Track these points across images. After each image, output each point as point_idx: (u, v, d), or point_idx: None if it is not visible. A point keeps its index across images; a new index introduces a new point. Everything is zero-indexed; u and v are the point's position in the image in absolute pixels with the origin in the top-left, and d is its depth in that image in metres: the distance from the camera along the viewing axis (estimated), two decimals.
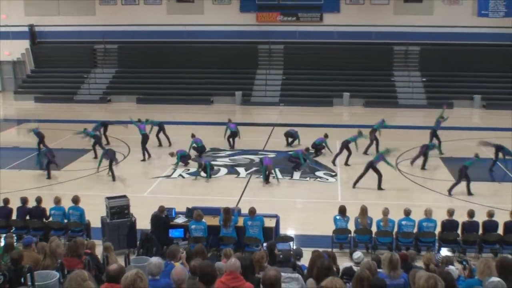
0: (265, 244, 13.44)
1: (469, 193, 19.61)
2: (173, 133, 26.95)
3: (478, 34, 38.71)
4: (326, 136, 24.86)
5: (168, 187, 21.04)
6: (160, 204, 15.31)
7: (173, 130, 27.09)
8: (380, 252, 13.57)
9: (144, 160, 24.06)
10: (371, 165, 20.22)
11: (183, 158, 22.78)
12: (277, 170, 21.67)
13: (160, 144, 25.76)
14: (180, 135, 26.16)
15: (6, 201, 16.16)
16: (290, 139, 26.14)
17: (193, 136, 24.54)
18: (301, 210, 18.89)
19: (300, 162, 22.24)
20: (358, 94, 37.59)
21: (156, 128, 25.97)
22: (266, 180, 20.84)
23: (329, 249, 13.56)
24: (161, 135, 25.90)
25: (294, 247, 13.98)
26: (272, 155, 24.69)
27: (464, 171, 19.66)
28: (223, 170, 22.60)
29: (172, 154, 22.88)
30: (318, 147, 24.69)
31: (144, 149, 24.16)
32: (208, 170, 21.42)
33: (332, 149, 24.55)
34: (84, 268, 8.94)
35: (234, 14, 41.03)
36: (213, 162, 22.67)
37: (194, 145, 24.23)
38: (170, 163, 22.90)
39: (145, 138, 24.35)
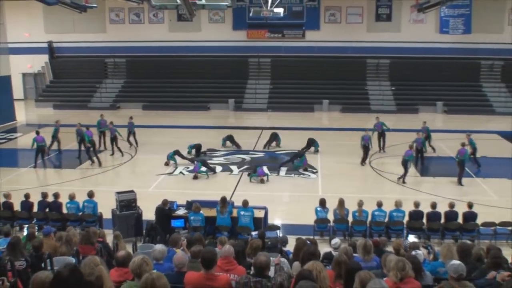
0: (254, 233, 13.43)
1: (403, 181, 20.43)
2: (174, 135, 26.89)
3: (440, 48, 38.92)
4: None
5: (171, 183, 20.94)
6: (163, 198, 15.31)
7: (174, 133, 27.02)
8: (356, 239, 13.57)
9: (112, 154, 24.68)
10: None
11: (177, 153, 22.89)
12: (265, 168, 21.55)
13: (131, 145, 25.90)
14: (180, 137, 26.10)
15: (27, 195, 16.10)
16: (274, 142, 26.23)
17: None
18: (286, 203, 18.85)
19: (293, 163, 22.38)
20: (336, 101, 37.60)
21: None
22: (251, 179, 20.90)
23: (311, 237, 13.54)
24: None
25: (281, 235, 13.98)
26: (260, 154, 24.73)
27: (405, 163, 20.43)
28: (218, 168, 22.53)
29: (167, 164, 22.91)
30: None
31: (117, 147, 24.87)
32: (207, 172, 21.45)
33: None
34: (96, 254, 8.89)
35: (227, 31, 41.05)
36: (209, 161, 22.70)
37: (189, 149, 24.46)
38: (171, 162, 22.85)
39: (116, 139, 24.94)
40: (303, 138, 25.47)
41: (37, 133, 23.68)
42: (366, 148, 23.11)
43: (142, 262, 6.26)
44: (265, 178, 20.66)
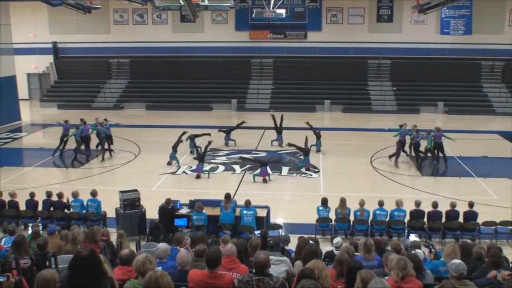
0: (257, 232, 13.44)
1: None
2: (177, 135, 26.86)
3: (440, 49, 38.88)
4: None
5: (174, 182, 20.98)
6: (166, 197, 15.34)
7: (177, 133, 26.90)
8: (357, 238, 13.58)
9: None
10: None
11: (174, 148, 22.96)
12: (268, 168, 21.51)
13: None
14: (184, 136, 26.05)
15: (33, 194, 16.14)
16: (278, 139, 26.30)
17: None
18: (288, 202, 18.89)
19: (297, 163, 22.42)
20: (338, 101, 37.56)
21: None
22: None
23: (313, 236, 13.55)
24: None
25: (283, 234, 13.98)
26: (263, 154, 24.71)
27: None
28: (221, 168, 22.54)
29: (169, 163, 22.92)
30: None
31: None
32: (209, 172, 21.51)
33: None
34: (100, 253, 8.90)
35: (230, 32, 41.06)
36: (212, 161, 22.73)
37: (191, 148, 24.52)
38: (174, 162, 22.86)
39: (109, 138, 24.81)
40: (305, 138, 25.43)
41: (76, 123, 24.46)
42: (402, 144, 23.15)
43: (145, 260, 6.27)
44: (267, 177, 20.66)
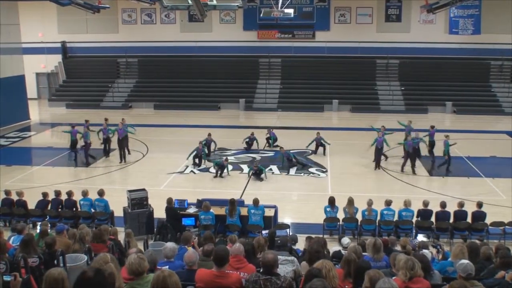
0: (265, 232, 13.43)
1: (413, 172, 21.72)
2: (185, 134, 26.84)
3: (449, 49, 38.72)
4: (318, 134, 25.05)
5: (182, 181, 20.99)
6: (174, 197, 15.35)
7: (185, 132, 27.03)
8: (365, 238, 13.54)
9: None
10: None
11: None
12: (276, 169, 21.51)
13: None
14: (192, 136, 26.10)
15: (45, 194, 16.20)
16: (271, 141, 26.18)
17: (209, 134, 24.72)
18: (296, 201, 18.88)
19: (291, 159, 22.35)
20: (346, 101, 37.49)
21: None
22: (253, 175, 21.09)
23: (321, 235, 13.53)
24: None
25: (290, 234, 13.97)
26: (270, 154, 24.72)
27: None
28: (229, 167, 22.51)
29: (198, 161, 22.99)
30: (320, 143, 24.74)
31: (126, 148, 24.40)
32: (228, 169, 21.61)
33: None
34: (108, 252, 8.91)
35: (238, 32, 41.06)
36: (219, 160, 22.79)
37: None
38: (182, 161, 22.87)
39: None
40: (312, 137, 25.38)
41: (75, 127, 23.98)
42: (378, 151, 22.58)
43: (140, 260, 5.98)
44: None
